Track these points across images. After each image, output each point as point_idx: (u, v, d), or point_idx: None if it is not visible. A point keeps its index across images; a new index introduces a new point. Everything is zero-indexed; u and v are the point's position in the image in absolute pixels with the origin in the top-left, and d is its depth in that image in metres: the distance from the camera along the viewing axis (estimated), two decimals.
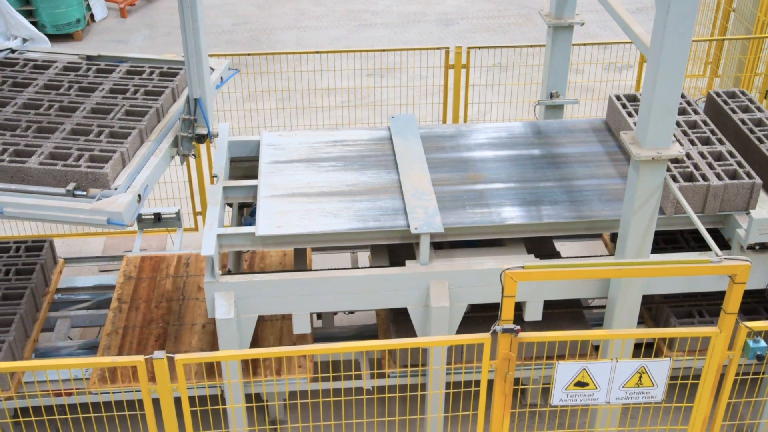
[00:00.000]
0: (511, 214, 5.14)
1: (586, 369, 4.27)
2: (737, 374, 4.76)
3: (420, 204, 5.10)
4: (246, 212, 5.75)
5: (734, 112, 5.84)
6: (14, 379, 5.22)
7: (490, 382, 4.38)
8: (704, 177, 5.13)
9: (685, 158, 5.31)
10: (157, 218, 6.83)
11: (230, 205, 5.73)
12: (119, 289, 6.10)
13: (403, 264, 5.09)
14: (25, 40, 11.64)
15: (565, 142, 5.89)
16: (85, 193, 4.52)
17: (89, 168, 4.55)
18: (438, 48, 7.73)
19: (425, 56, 8.88)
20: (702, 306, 5.64)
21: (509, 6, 13.09)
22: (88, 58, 5.87)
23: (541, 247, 5.71)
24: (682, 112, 5.85)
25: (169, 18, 12.74)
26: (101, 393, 5.28)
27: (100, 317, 6.07)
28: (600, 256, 6.01)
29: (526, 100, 8.15)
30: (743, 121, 5.74)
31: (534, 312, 5.14)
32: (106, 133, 4.92)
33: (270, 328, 5.71)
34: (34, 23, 11.75)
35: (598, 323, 5.76)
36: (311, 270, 5.25)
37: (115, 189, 4.54)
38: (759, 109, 5.87)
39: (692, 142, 5.53)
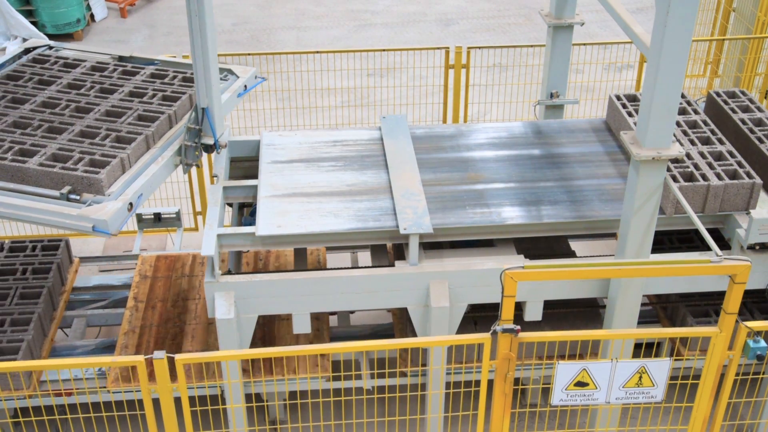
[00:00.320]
0: (511, 214, 5.14)
1: (586, 369, 4.27)
2: (737, 374, 4.76)
3: (409, 204, 5.10)
4: (246, 212, 5.75)
5: (734, 112, 5.84)
6: (32, 377, 5.24)
7: (490, 382, 4.38)
8: (704, 177, 5.13)
9: (685, 158, 5.31)
10: (157, 218, 6.83)
11: (230, 205, 5.73)
12: (135, 288, 6.11)
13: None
14: (24, 40, 11.65)
15: (565, 142, 5.89)
16: (78, 197, 4.51)
17: (85, 172, 4.54)
18: (438, 48, 7.73)
19: (425, 56, 8.88)
20: (718, 305, 5.63)
21: (509, 6, 13.09)
22: (120, 58, 5.88)
23: (556, 246, 5.71)
24: (682, 112, 5.85)
25: (169, 18, 12.74)
26: (101, 393, 5.28)
27: (116, 316, 6.08)
28: (605, 255, 6.01)
29: (526, 100, 8.15)
30: (743, 121, 5.74)
31: (534, 312, 5.14)
32: (112, 137, 4.90)
33: (286, 327, 5.71)
34: (34, 23, 11.75)
35: None
36: (311, 270, 5.25)
37: (109, 195, 4.51)
38: (759, 109, 5.87)
39: (692, 142, 5.53)
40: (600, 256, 5.91)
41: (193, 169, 7.42)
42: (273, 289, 4.94)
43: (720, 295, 5.59)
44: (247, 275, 4.95)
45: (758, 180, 5.10)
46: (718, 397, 4.62)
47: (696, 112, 5.85)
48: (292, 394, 5.45)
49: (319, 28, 12.42)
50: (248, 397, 5.72)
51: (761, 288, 5.25)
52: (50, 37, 11.71)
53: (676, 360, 5.44)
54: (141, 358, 4.11)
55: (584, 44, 7.87)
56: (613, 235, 6.34)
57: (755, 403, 5.85)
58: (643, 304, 5.96)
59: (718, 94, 6.04)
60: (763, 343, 4.31)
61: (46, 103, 5.27)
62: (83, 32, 12.08)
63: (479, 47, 7.85)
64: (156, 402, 4.30)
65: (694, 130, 5.65)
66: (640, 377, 4.30)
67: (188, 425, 4.39)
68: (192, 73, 5.47)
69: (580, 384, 4.31)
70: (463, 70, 7.59)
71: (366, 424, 5.52)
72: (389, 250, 5.85)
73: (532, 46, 7.76)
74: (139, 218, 6.80)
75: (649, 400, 4.40)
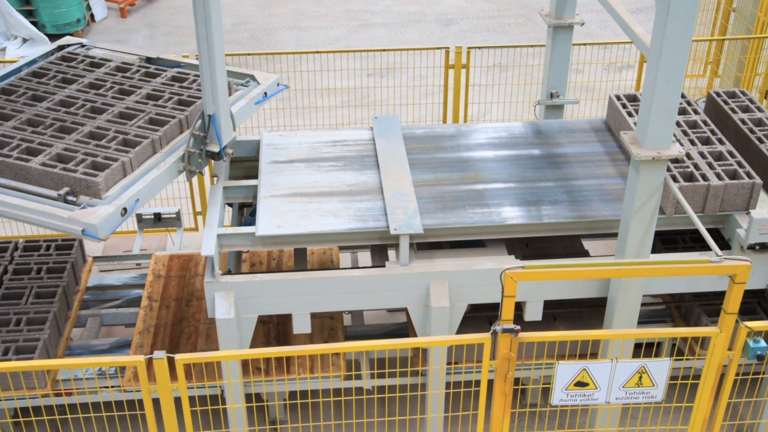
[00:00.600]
0: (511, 214, 5.14)
1: (586, 369, 4.27)
2: (737, 374, 4.76)
3: (400, 205, 5.10)
4: (246, 212, 5.75)
5: (734, 112, 5.84)
6: (50, 376, 5.24)
7: (490, 382, 4.38)
8: (704, 177, 5.13)
9: (685, 158, 5.31)
10: (157, 218, 6.83)
11: (230, 205, 5.73)
12: (149, 287, 6.11)
13: None
14: (25, 40, 11.65)
15: (565, 142, 5.89)
16: (75, 199, 4.51)
17: (84, 174, 4.54)
18: (438, 48, 7.73)
19: (425, 56, 8.88)
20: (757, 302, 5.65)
21: (509, 6, 13.09)
22: (147, 60, 5.87)
23: (570, 246, 5.71)
24: (682, 112, 5.85)
25: (169, 18, 12.74)
26: (101, 393, 5.28)
27: (130, 315, 6.09)
28: (605, 255, 6.01)
29: (526, 100, 8.15)
30: (743, 121, 5.74)
31: (534, 312, 5.14)
32: (119, 139, 4.89)
33: None
34: (34, 23, 11.75)
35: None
36: (311, 270, 5.25)
37: (105, 199, 4.50)
38: (759, 109, 5.87)
39: (692, 142, 5.53)
40: (599, 256, 5.91)
41: None
42: (273, 289, 4.94)
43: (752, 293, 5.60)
44: (247, 275, 4.95)
45: (758, 180, 5.10)
46: (718, 397, 4.62)
47: (696, 112, 5.85)
48: (292, 394, 5.45)
49: (319, 28, 12.42)
50: (248, 397, 5.72)
51: (761, 288, 5.25)
52: (50, 37, 11.72)
53: (676, 360, 5.44)
54: (141, 358, 4.11)
55: (584, 44, 7.87)
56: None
57: (755, 403, 5.85)
58: (656, 304, 5.98)
59: (718, 94, 6.04)
60: (763, 343, 4.31)
61: (63, 102, 5.29)
62: (83, 32, 12.08)
63: (479, 47, 7.85)
64: (156, 402, 4.29)
65: (694, 130, 5.65)
66: (640, 377, 4.30)
67: (188, 425, 4.39)
68: None
69: (580, 384, 4.31)
70: (463, 70, 7.59)
71: (366, 424, 5.51)
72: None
73: (532, 46, 7.76)
74: (139, 218, 6.80)
75: (649, 400, 4.40)
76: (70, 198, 4.50)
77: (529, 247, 5.82)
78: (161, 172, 4.80)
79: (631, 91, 7.45)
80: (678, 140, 5.47)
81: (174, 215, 6.85)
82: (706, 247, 5.67)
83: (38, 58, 5.88)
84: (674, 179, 5.09)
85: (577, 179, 5.48)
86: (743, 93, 6.05)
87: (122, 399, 5.42)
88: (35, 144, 4.84)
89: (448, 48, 7.57)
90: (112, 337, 6.33)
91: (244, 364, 5.30)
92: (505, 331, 4.08)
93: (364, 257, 6.81)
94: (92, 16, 12.51)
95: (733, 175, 5.17)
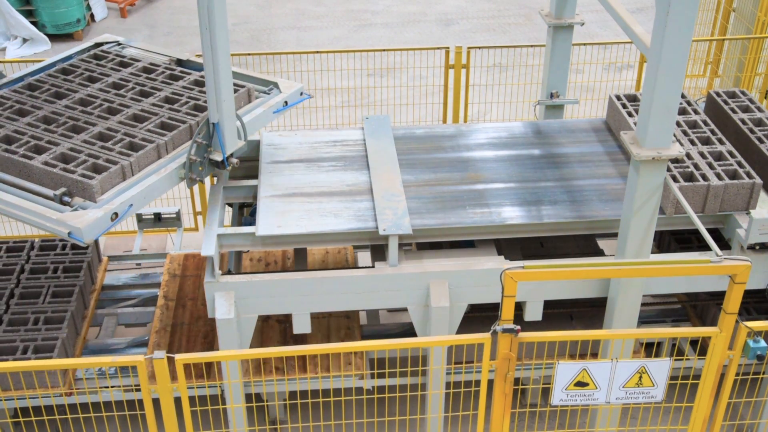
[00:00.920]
0: (511, 214, 5.14)
1: (586, 369, 4.27)
2: (737, 374, 4.76)
3: (389, 205, 5.10)
4: (246, 212, 5.75)
5: (734, 112, 5.84)
6: (67, 375, 5.26)
7: (490, 382, 4.38)
8: (704, 177, 5.13)
9: (685, 158, 5.31)
10: (157, 218, 6.83)
11: (230, 205, 5.73)
12: (165, 287, 6.12)
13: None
14: (25, 40, 11.65)
15: (565, 142, 5.89)
16: (70, 200, 4.51)
17: (82, 176, 4.54)
18: (438, 48, 7.73)
19: (425, 56, 8.88)
20: (749, 303, 5.64)
21: (509, 6, 13.09)
22: (178, 62, 5.87)
23: (585, 245, 5.72)
24: (682, 112, 5.85)
25: (169, 18, 12.74)
26: (101, 393, 5.28)
27: (146, 315, 6.09)
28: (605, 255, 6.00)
29: (526, 100, 8.15)
30: (743, 121, 5.74)
31: (534, 312, 5.14)
32: (125, 142, 4.88)
33: (317, 326, 5.71)
34: (34, 23, 11.75)
35: (645, 321, 5.82)
36: (311, 270, 5.25)
37: (99, 202, 4.48)
38: (759, 109, 5.87)
39: (692, 142, 5.53)
40: (600, 256, 5.90)
41: None
42: (273, 289, 4.94)
43: (751, 293, 5.60)
44: (247, 275, 4.95)
45: (758, 180, 5.10)
46: (718, 397, 4.62)
47: (696, 112, 5.85)
48: (292, 394, 5.45)
49: (319, 28, 12.42)
50: (248, 397, 5.72)
51: (761, 288, 5.25)
52: (50, 37, 11.73)
53: (676, 360, 5.44)
54: (141, 357, 4.11)
55: (584, 44, 7.87)
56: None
57: (755, 403, 5.85)
58: (672, 303, 5.99)
59: (718, 94, 6.04)
60: (763, 343, 4.31)
61: (83, 101, 5.31)
62: (83, 32, 12.08)
63: (479, 47, 7.85)
64: (156, 402, 4.29)
65: (694, 130, 5.65)
66: (640, 377, 4.30)
67: (188, 425, 4.39)
68: (234, 84, 5.32)
69: (580, 384, 4.31)
70: (463, 70, 7.59)
71: (366, 424, 5.51)
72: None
73: (532, 46, 7.76)
74: (139, 218, 6.79)
75: (649, 400, 4.40)
76: (65, 199, 4.50)
77: (543, 246, 5.82)
78: (160, 178, 4.74)
79: (631, 91, 7.45)
80: (678, 140, 5.47)
81: (174, 215, 6.85)
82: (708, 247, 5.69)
83: (74, 54, 5.93)
84: (674, 179, 5.09)
85: (577, 179, 5.48)
86: (743, 93, 6.05)
87: (122, 399, 5.42)
88: (43, 142, 4.86)
89: (448, 48, 7.57)
90: (122, 336, 6.32)
91: (260, 363, 5.31)
92: (505, 331, 4.08)
93: (365, 257, 6.81)
94: (92, 16, 12.51)
95: (733, 175, 5.17)
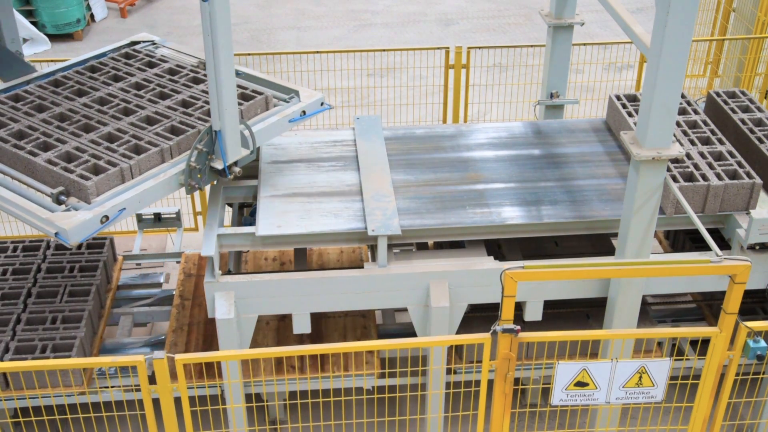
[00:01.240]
0: (511, 214, 5.14)
1: (586, 369, 4.27)
2: (737, 374, 4.76)
3: (379, 206, 5.10)
4: (246, 212, 5.75)
5: (734, 112, 5.84)
6: (87, 374, 5.26)
7: (490, 382, 4.38)
8: (704, 177, 5.13)
9: (685, 158, 5.31)
10: (157, 218, 6.83)
11: (230, 205, 5.73)
12: (180, 286, 6.11)
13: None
14: (25, 40, 11.65)
15: (565, 142, 5.89)
16: (65, 199, 4.50)
17: (80, 177, 4.54)
18: (438, 48, 7.73)
19: (425, 56, 8.88)
20: (765, 303, 5.63)
21: (509, 6, 13.09)
22: (205, 65, 5.79)
23: (600, 245, 5.72)
24: (682, 112, 5.85)
25: (169, 18, 12.74)
26: (101, 393, 5.28)
27: (162, 314, 6.09)
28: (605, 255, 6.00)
29: (526, 100, 8.15)
30: (743, 121, 5.74)
31: (534, 312, 5.14)
32: (130, 144, 4.86)
33: (333, 325, 5.72)
34: (34, 23, 11.76)
35: (663, 319, 5.82)
36: (311, 270, 5.25)
37: (93, 203, 4.47)
38: (759, 109, 5.87)
39: (692, 142, 5.53)
40: (600, 256, 5.90)
41: None
42: (273, 289, 4.94)
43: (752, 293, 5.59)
44: (247, 275, 4.95)
45: (758, 180, 5.10)
46: (718, 397, 4.62)
47: (696, 112, 5.85)
48: (292, 394, 5.45)
49: (319, 28, 12.42)
50: (248, 397, 5.72)
51: (761, 288, 5.25)
52: (50, 37, 11.72)
53: (676, 360, 5.44)
54: (141, 358, 4.11)
55: (584, 44, 7.87)
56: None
57: (755, 403, 5.85)
58: (687, 302, 5.98)
59: (718, 94, 6.04)
60: (763, 343, 4.31)
61: (102, 100, 5.31)
62: (83, 32, 12.08)
63: (479, 47, 7.85)
64: (156, 402, 4.30)
65: (694, 130, 5.65)
66: (640, 377, 4.30)
67: (188, 425, 4.39)
68: (253, 90, 5.35)
69: (580, 384, 4.31)
70: (463, 70, 7.59)
71: (366, 424, 5.52)
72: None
73: (532, 46, 7.76)
74: (139, 218, 6.79)
75: (649, 400, 4.40)
76: (62, 198, 4.50)
77: (558, 245, 5.82)
78: (157, 183, 4.69)
79: (631, 91, 7.45)
80: (678, 140, 5.47)
81: (174, 215, 6.85)
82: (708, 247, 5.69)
83: (108, 51, 5.94)
84: (674, 179, 5.10)
85: (577, 179, 5.48)
86: (743, 93, 6.05)
87: (122, 399, 5.42)
88: (52, 139, 4.88)
89: (448, 48, 7.57)
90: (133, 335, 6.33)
91: (278, 362, 5.32)
92: (505, 331, 4.08)
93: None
94: (92, 16, 12.52)
95: (733, 175, 5.17)
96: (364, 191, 5.25)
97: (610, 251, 5.71)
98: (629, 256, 4.85)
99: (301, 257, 5.74)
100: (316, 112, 5.47)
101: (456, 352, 5.49)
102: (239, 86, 5.38)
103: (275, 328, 5.69)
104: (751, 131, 5.64)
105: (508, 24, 12.50)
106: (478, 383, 5.21)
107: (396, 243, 5.18)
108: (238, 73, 5.64)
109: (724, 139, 5.57)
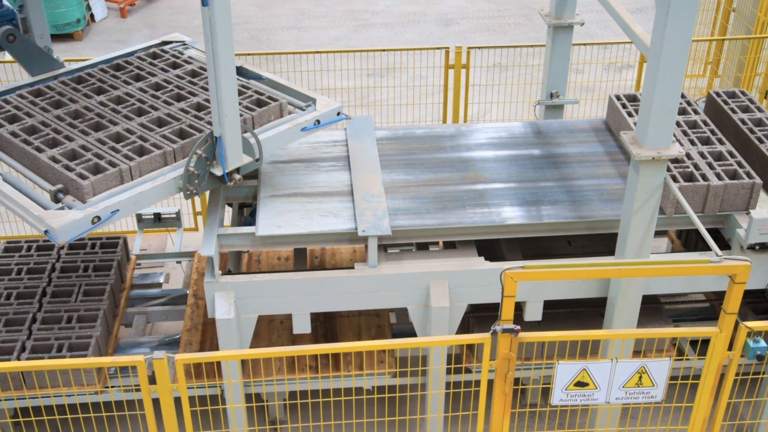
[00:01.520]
0: (511, 215, 5.14)
1: (586, 369, 4.27)
2: (737, 374, 4.76)
3: (369, 206, 5.10)
4: (246, 212, 5.75)
5: (734, 112, 5.84)
6: (100, 374, 5.27)
7: (490, 382, 4.38)
8: (704, 177, 5.13)
9: (685, 158, 5.31)
10: (157, 218, 6.82)
11: (230, 205, 5.73)
12: (193, 285, 6.11)
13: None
14: None
15: (565, 142, 5.89)
16: (63, 198, 4.51)
17: (78, 176, 4.54)
18: (438, 48, 7.73)
19: (425, 56, 8.87)
20: (760, 303, 5.63)
21: (509, 6, 13.09)
22: None
23: (613, 244, 5.71)
24: (682, 112, 5.85)
25: (169, 18, 12.74)
26: (101, 393, 5.28)
27: (176, 313, 6.09)
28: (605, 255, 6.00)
29: (526, 100, 8.15)
30: (743, 121, 5.74)
31: (534, 312, 5.14)
32: (135, 145, 4.84)
33: (348, 324, 5.72)
34: None
35: (679, 318, 5.80)
36: (311, 270, 5.25)
37: (88, 203, 4.46)
38: (759, 109, 5.87)
39: (692, 142, 5.53)
40: (600, 256, 5.91)
41: None
42: (273, 289, 4.94)
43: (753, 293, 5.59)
44: (247, 275, 4.95)
45: (758, 180, 5.10)
46: (718, 397, 4.62)
47: (696, 112, 5.85)
48: (292, 394, 5.45)
49: (319, 28, 12.42)
50: (248, 397, 5.72)
51: (761, 288, 5.25)
52: (50, 37, 11.70)
53: (676, 360, 5.44)
54: (141, 358, 4.11)
55: (584, 44, 7.87)
56: (663, 233, 6.28)
57: (755, 403, 5.85)
58: (700, 301, 5.98)
59: (718, 94, 6.04)
60: (763, 343, 4.31)
61: (119, 99, 5.31)
62: (83, 32, 12.08)
63: (479, 47, 7.86)
64: (156, 402, 4.30)
65: (694, 130, 5.65)
66: (640, 377, 4.30)
67: (188, 425, 4.39)
68: (269, 97, 5.29)
69: (580, 384, 4.31)
70: (463, 70, 7.59)
71: (366, 424, 5.51)
72: None
73: (532, 46, 7.76)
74: (139, 218, 6.79)
75: (649, 400, 4.40)
76: (59, 196, 4.50)
77: (571, 245, 5.81)
78: (155, 186, 4.65)
79: (631, 91, 7.45)
80: (678, 140, 5.47)
81: (174, 215, 6.85)
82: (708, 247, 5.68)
83: (138, 50, 5.94)
84: (674, 179, 5.10)
85: (577, 179, 5.48)
86: (743, 93, 6.05)
87: (122, 399, 5.41)
88: (61, 136, 4.88)
89: (448, 48, 7.57)
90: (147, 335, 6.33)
91: (290, 361, 5.32)
92: (505, 331, 4.08)
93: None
94: (92, 16, 12.52)
95: (733, 175, 5.17)
96: (354, 192, 5.25)
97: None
98: (629, 256, 4.85)
99: (301, 257, 5.74)
100: (331, 122, 5.36)
101: (469, 349, 5.48)
102: (256, 92, 5.35)
103: (289, 327, 5.68)
104: (751, 131, 5.64)
105: (508, 24, 12.50)
106: (478, 383, 5.22)
107: (396, 243, 5.18)
108: (260, 78, 5.61)
109: (724, 139, 5.57)
